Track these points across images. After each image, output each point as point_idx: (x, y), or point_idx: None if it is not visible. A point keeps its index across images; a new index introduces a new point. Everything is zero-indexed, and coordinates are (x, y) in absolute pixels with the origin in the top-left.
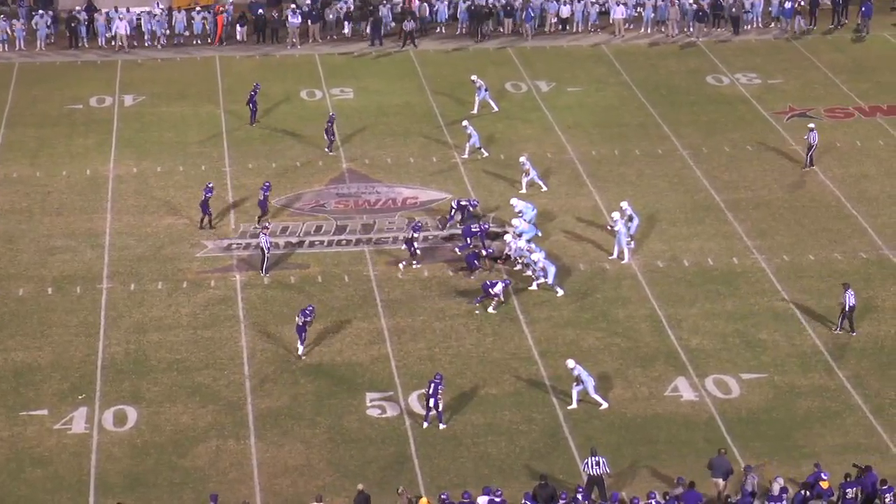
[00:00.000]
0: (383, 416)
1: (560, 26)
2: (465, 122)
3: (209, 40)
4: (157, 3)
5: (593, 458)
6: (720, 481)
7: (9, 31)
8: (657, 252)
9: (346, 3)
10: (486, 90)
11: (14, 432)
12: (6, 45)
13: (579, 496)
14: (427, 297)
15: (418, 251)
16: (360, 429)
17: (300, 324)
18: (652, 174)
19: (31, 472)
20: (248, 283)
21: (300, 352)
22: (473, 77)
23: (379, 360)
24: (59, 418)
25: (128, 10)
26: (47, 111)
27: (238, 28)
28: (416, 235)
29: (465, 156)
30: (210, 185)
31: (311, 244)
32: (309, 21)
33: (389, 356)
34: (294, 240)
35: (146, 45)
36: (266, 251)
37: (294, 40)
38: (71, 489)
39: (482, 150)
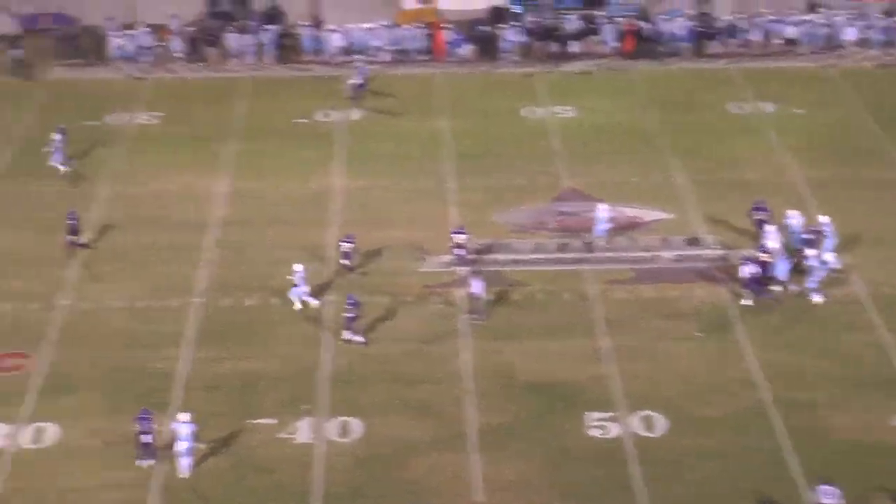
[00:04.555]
0: (604, 435)
1: (786, 47)
2: None
3: (430, 56)
4: (383, 19)
5: (826, 488)
6: None
7: (240, 46)
8: (884, 278)
9: (572, 20)
10: None
11: (240, 440)
12: (237, 60)
13: None
14: (648, 318)
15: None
16: (580, 448)
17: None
18: (880, 198)
19: (255, 480)
20: (469, 300)
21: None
22: None
23: (599, 380)
24: (285, 427)
25: (353, 26)
26: (274, 125)
27: (461, 45)
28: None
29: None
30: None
31: (533, 262)
32: (532, 38)
33: (610, 376)
34: (516, 257)
35: (369, 60)
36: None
37: (515, 58)
38: (294, 498)
39: None
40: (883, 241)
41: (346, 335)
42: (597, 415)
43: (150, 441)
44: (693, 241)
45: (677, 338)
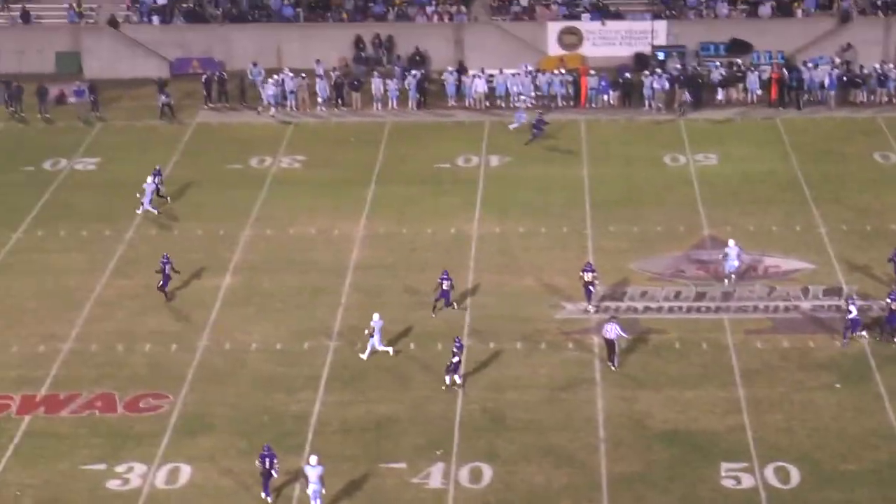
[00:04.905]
0: (738, 486)
1: None
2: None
3: (571, 103)
4: (526, 65)
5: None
6: None
7: (383, 91)
8: None
9: (716, 67)
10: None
11: (373, 483)
12: (380, 105)
13: None
14: (786, 368)
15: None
16: (714, 498)
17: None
18: None
19: None
20: (605, 346)
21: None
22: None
23: (735, 430)
24: (417, 472)
25: (500, 72)
26: (415, 169)
27: (605, 91)
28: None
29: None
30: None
31: (670, 310)
32: (676, 85)
33: (746, 426)
34: (653, 304)
35: (512, 105)
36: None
37: (660, 105)
38: None
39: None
40: None
41: (452, 378)
42: (731, 465)
43: (274, 476)
44: (833, 291)
45: (815, 388)
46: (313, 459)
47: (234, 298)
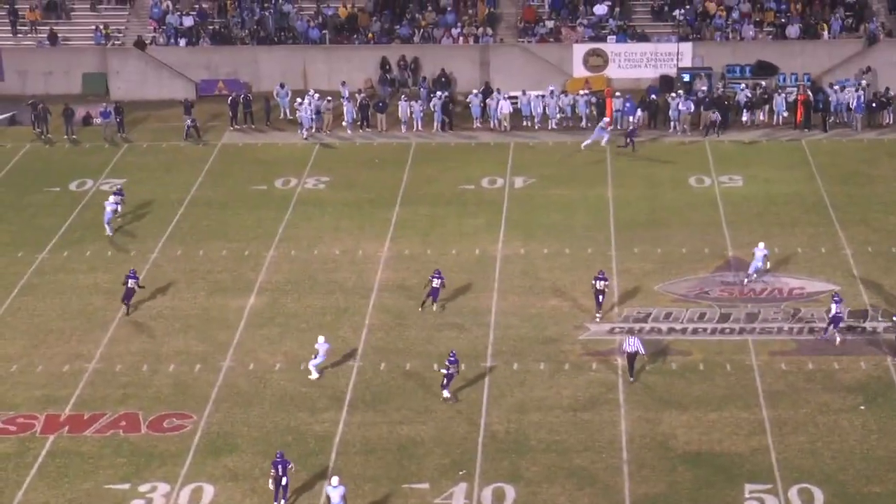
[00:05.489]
0: None
1: None
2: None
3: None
4: (553, 87)
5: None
6: None
7: (409, 112)
8: None
9: (742, 89)
10: None
11: None
12: (405, 126)
13: None
14: (811, 390)
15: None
16: None
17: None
18: None
19: None
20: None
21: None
22: None
23: (759, 452)
24: (440, 493)
25: (523, 93)
26: (440, 191)
27: (632, 112)
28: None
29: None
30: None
31: (695, 331)
32: (701, 107)
33: (770, 448)
34: (678, 326)
35: (536, 127)
36: (628, 354)
37: (685, 126)
38: None
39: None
40: None
41: (446, 393)
42: (755, 486)
43: (286, 484)
44: (858, 314)
45: (840, 410)
46: (335, 480)
47: (258, 319)
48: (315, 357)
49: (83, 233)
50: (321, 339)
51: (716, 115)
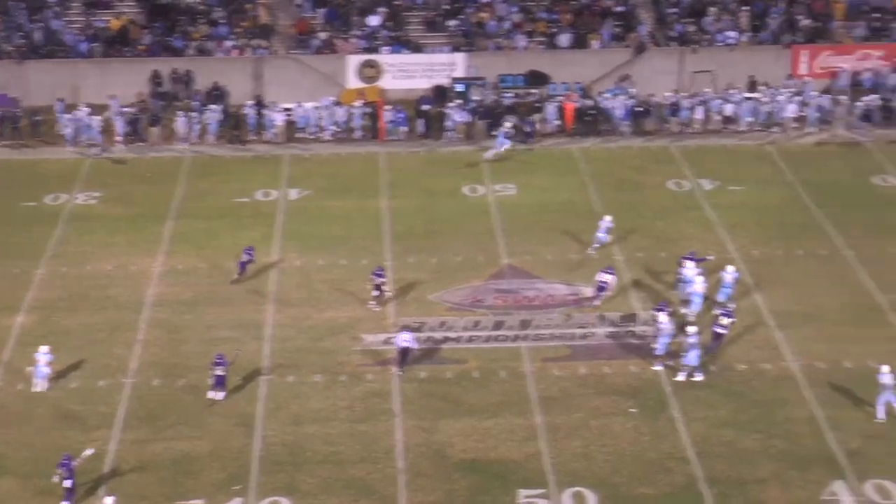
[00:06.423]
0: None
1: (724, 125)
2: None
3: (371, 135)
4: (328, 98)
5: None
6: None
7: (183, 126)
8: (818, 353)
9: (511, 98)
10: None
11: None
12: (179, 140)
13: None
14: (583, 395)
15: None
16: None
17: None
18: (815, 274)
19: None
20: (404, 377)
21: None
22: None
23: (533, 457)
24: None
25: (298, 105)
26: (215, 204)
27: (403, 123)
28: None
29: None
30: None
31: (469, 339)
32: (476, 117)
33: (544, 453)
34: (452, 334)
35: (310, 138)
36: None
37: (459, 136)
38: None
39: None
40: (814, 317)
41: (211, 394)
42: (529, 492)
43: (72, 486)
44: (629, 318)
45: (612, 414)
46: (109, 500)
47: (29, 337)
48: (36, 367)
49: None
50: (44, 348)
51: (525, 124)
